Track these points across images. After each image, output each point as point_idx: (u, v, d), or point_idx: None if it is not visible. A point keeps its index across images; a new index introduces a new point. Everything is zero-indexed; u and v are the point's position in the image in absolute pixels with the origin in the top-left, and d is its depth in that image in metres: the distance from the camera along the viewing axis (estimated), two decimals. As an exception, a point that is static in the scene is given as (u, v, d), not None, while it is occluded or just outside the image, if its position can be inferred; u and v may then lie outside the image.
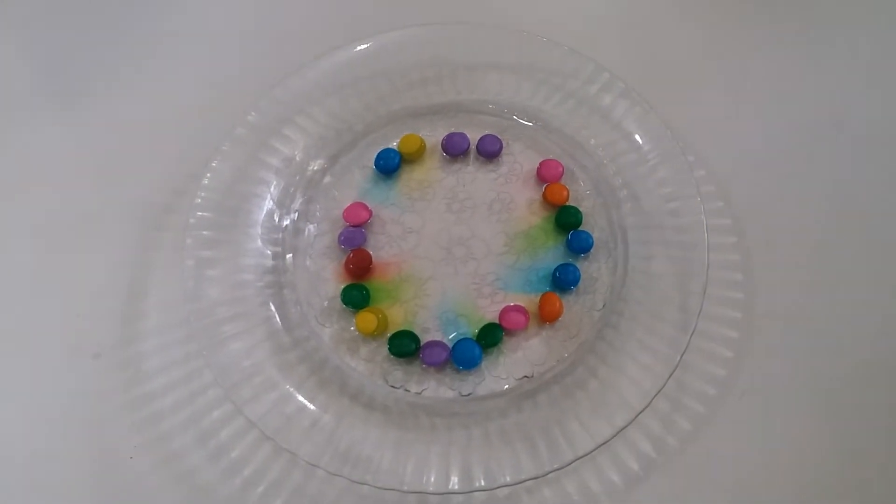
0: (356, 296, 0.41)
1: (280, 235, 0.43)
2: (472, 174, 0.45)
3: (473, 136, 0.46)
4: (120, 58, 0.52)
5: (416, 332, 0.40)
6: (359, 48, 0.46)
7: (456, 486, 0.34)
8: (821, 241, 0.43)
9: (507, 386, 0.38)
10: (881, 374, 0.39)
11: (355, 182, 0.45)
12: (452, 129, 0.46)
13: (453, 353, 0.39)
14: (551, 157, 0.45)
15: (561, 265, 0.41)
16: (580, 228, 0.42)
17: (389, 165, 0.45)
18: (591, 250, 0.42)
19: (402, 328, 0.40)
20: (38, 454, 0.39)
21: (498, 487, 0.34)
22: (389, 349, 0.39)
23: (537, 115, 0.47)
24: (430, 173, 0.45)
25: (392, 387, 0.39)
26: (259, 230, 0.43)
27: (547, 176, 0.44)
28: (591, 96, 0.45)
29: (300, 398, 0.37)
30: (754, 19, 0.53)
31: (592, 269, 0.42)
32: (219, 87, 0.50)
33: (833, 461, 0.37)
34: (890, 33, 0.52)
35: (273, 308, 0.40)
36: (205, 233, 0.41)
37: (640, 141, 0.43)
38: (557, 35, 0.46)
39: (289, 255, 0.43)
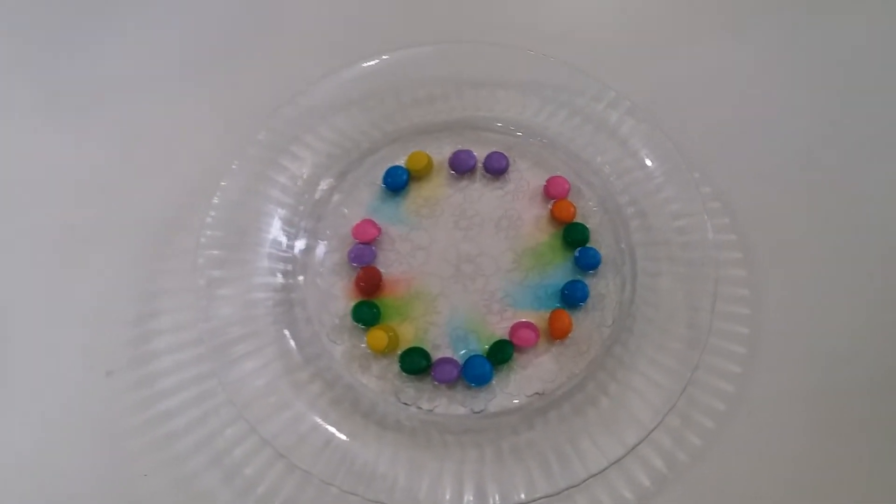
0: (367, 313, 0.41)
1: (290, 254, 0.43)
2: (479, 191, 0.46)
3: (480, 154, 0.46)
4: (129, 72, 0.52)
5: (427, 348, 0.40)
6: (367, 66, 0.47)
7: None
8: (827, 256, 0.44)
9: (518, 402, 0.39)
10: (891, 389, 0.40)
11: (364, 199, 0.45)
12: (459, 147, 0.46)
13: (464, 369, 0.39)
14: (558, 174, 0.45)
15: (569, 282, 0.41)
16: (588, 245, 0.43)
17: (397, 182, 0.45)
18: (599, 267, 0.42)
19: (412, 345, 0.40)
20: (50, 470, 0.38)
21: (512, 505, 0.34)
22: (401, 366, 0.39)
23: (543, 133, 0.47)
24: (437, 190, 0.46)
25: (404, 404, 0.39)
26: (269, 248, 0.43)
27: (554, 193, 0.44)
28: (597, 114, 0.46)
29: (313, 416, 0.37)
30: (759, 37, 0.53)
31: (600, 285, 0.42)
32: (227, 105, 0.50)
33: (844, 476, 0.38)
34: (891, 39, 0.53)
35: (285, 327, 0.41)
36: (215, 252, 0.41)
37: (646, 158, 0.44)
38: (563, 54, 0.46)
39: (299, 274, 0.43)
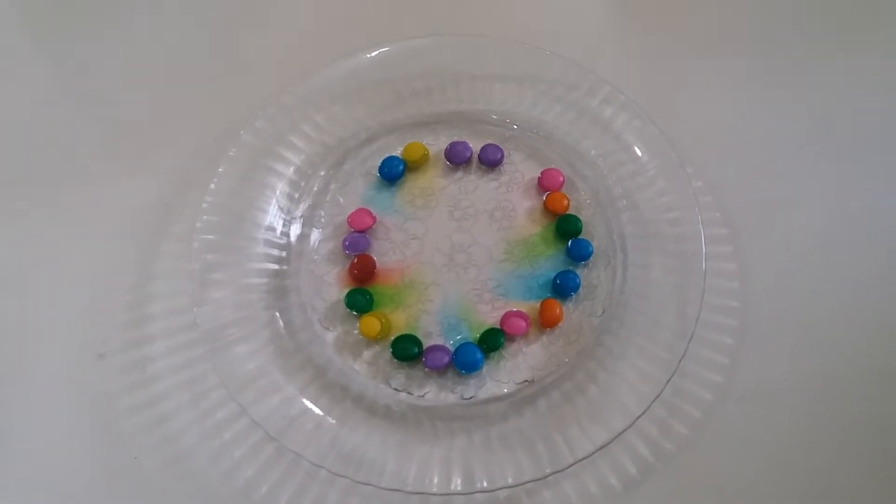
0: (360, 300, 0.41)
1: (285, 240, 0.44)
2: (473, 182, 0.46)
3: (476, 145, 0.46)
4: (131, 58, 0.53)
5: (419, 336, 0.40)
6: (365, 57, 0.47)
7: (458, 488, 0.34)
8: (816, 250, 0.44)
9: (507, 390, 0.39)
10: (877, 380, 0.40)
11: (359, 189, 0.46)
12: (455, 138, 0.47)
13: (455, 357, 0.39)
14: (552, 166, 0.46)
15: (561, 272, 0.42)
16: (580, 237, 0.43)
17: (393, 173, 0.45)
18: (591, 258, 0.43)
19: (404, 332, 0.41)
20: (42, 453, 0.39)
21: (499, 489, 0.35)
22: (392, 353, 0.40)
23: (539, 126, 0.47)
24: (432, 181, 0.46)
25: (395, 390, 0.39)
26: (264, 234, 0.43)
27: (548, 185, 0.45)
28: (592, 108, 0.46)
29: (304, 401, 0.38)
30: (753, 32, 0.54)
31: (592, 276, 0.42)
32: (225, 93, 0.51)
33: (829, 466, 0.38)
34: (886, 41, 0.53)
35: (277, 312, 0.41)
36: (211, 237, 0.41)
37: (639, 152, 0.44)
38: (560, 47, 0.47)
39: (294, 260, 0.43)
